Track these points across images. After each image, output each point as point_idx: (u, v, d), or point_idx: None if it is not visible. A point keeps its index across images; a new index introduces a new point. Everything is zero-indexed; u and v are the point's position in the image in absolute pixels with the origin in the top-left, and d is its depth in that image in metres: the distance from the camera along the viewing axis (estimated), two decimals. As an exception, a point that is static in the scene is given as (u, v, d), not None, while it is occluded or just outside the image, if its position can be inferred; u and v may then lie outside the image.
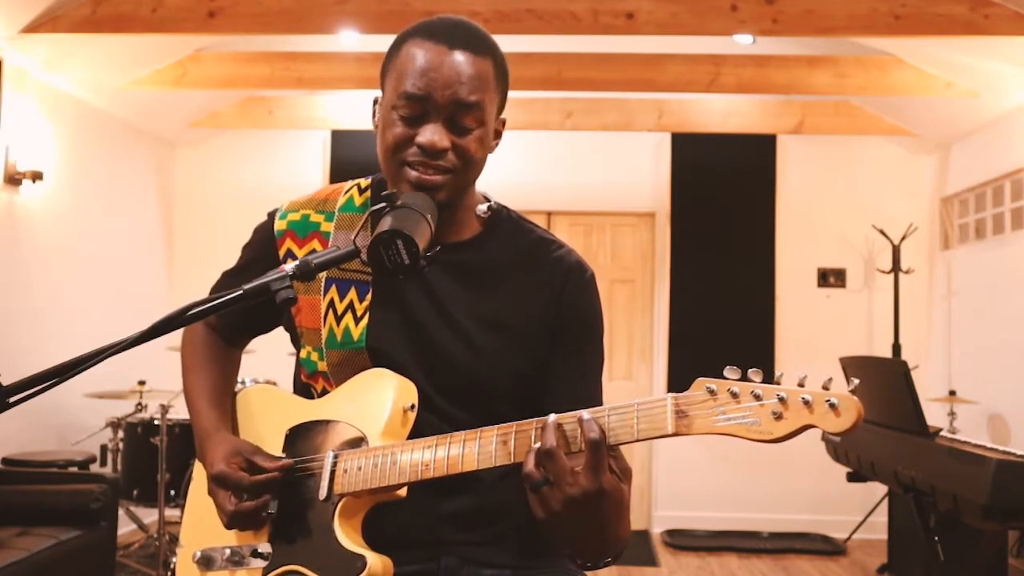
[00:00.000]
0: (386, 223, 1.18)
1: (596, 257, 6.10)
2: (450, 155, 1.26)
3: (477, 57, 1.27)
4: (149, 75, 4.97)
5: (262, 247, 1.44)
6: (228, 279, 1.48)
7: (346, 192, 1.42)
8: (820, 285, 6.06)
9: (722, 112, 5.80)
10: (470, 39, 1.28)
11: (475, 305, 1.34)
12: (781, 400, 1.00)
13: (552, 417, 1.10)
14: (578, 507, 1.06)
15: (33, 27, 4.05)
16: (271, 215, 1.45)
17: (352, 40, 4.95)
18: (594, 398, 1.35)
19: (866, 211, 5.96)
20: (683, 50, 5.01)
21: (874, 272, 5.97)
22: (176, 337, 1.43)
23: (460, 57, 1.26)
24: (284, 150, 6.18)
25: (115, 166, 5.42)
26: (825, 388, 1.00)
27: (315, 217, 1.41)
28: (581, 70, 5.03)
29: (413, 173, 1.26)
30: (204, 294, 1.19)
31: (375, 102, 1.35)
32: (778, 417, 1.00)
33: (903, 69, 4.88)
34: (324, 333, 1.36)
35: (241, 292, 1.14)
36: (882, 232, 5.78)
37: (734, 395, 1.03)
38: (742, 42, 5.17)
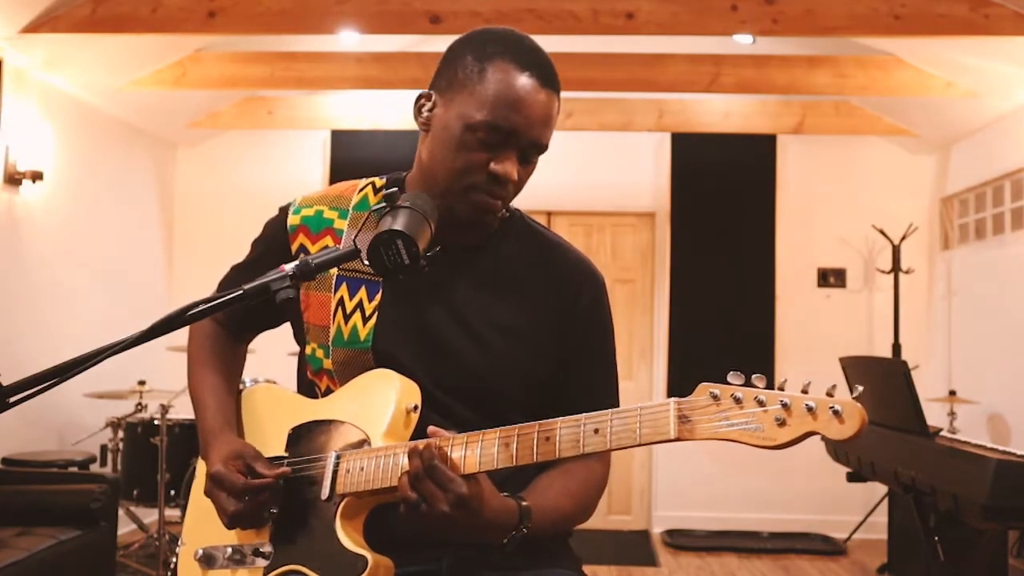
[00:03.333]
0: (386, 223, 1.18)
1: (596, 257, 6.07)
2: (511, 185, 1.30)
3: (556, 96, 1.30)
4: (149, 75, 4.96)
5: (274, 241, 1.43)
6: (237, 273, 1.47)
7: (360, 190, 1.42)
8: (820, 285, 6.05)
9: (722, 112, 5.79)
10: (551, 74, 1.29)
11: (485, 307, 1.34)
12: (785, 406, 0.99)
13: (422, 443, 1.17)
14: (456, 519, 1.14)
15: (33, 27, 4.04)
16: (283, 209, 1.44)
17: (352, 40, 4.95)
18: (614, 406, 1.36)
19: (866, 211, 5.96)
20: (683, 50, 5.01)
21: (874, 272, 5.96)
22: (176, 337, 1.43)
23: (547, 98, 1.27)
24: (284, 150, 6.17)
25: (115, 166, 5.42)
26: (829, 395, 0.99)
27: (329, 213, 1.40)
28: (581, 70, 5.02)
29: (478, 197, 1.28)
30: (204, 294, 1.19)
31: (422, 98, 1.32)
32: (781, 423, 1.00)
33: (903, 69, 4.87)
34: (332, 331, 1.35)
35: (241, 292, 1.14)
36: (882, 232, 5.77)
37: (737, 400, 1.02)
38: (742, 42, 5.17)
